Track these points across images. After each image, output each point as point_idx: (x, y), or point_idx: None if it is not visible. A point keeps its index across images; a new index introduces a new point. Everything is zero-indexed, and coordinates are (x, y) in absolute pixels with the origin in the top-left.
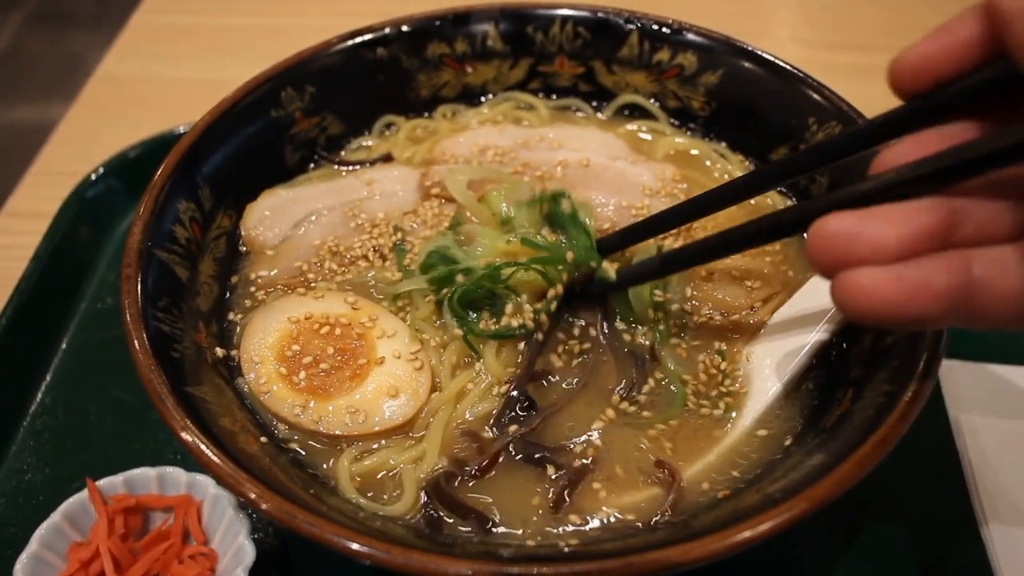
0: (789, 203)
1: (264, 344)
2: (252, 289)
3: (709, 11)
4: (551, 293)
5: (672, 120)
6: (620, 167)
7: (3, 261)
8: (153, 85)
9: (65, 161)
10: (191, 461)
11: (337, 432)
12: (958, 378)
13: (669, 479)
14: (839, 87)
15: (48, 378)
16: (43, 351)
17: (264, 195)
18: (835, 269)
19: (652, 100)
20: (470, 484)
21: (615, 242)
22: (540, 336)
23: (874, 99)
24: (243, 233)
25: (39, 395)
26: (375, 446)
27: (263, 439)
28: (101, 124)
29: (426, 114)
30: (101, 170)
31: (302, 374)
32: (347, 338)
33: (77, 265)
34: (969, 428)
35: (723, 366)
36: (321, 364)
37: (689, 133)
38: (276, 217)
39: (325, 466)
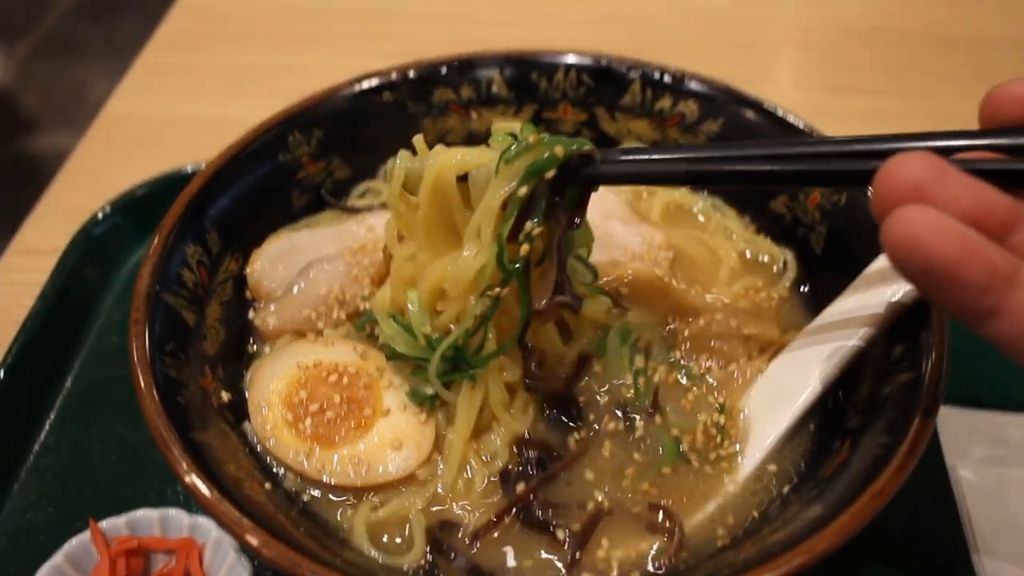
0: (788, 253)
1: (272, 389)
2: (261, 336)
3: (715, 55)
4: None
5: None
6: (610, 227)
7: (11, 298)
8: (160, 123)
9: (73, 198)
10: (194, 503)
11: (340, 482)
12: (956, 425)
13: (671, 527)
14: (839, 130)
15: (52, 416)
16: (48, 389)
17: (268, 241)
18: (903, 200)
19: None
20: (474, 541)
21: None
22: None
23: None
24: (249, 280)
25: (43, 434)
26: (388, 497)
27: (268, 485)
28: (108, 161)
29: None
30: (108, 208)
31: (308, 421)
32: (354, 387)
33: (83, 303)
34: (966, 476)
35: (721, 419)
36: (327, 412)
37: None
38: (281, 264)
39: (333, 514)
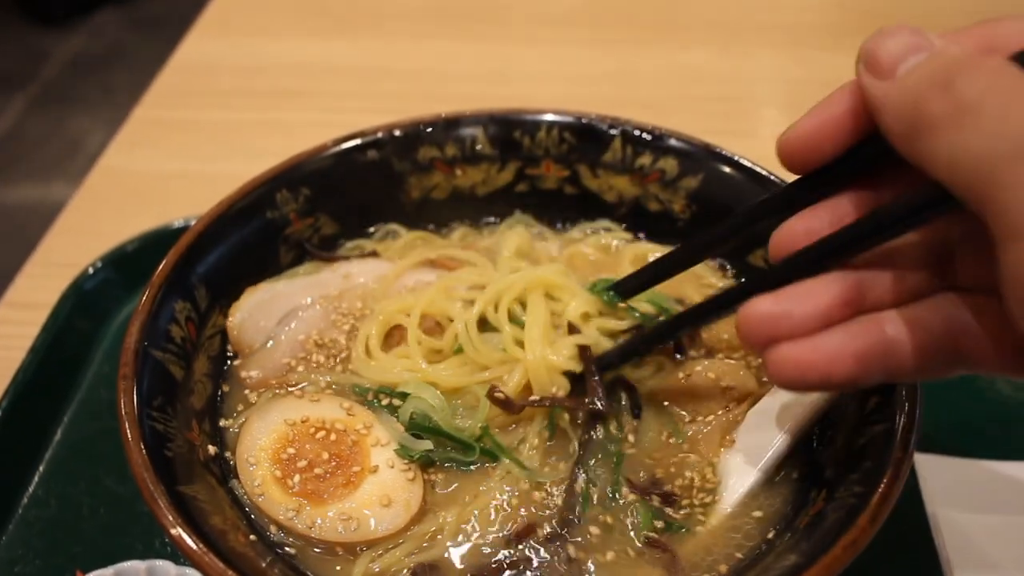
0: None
1: (260, 445)
2: (245, 390)
3: (699, 110)
4: None
5: (654, 224)
6: None
7: (2, 351)
8: (152, 178)
9: (64, 252)
10: (181, 555)
11: (330, 538)
12: (937, 473)
13: (668, 556)
14: None
15: (41, 469)
16: (37, 442)
17: (246, 294)
18: (765, 346)
19: (635, 202)
20: None
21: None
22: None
23: None
24: (229, 334)
25: (32, 486)
26: (379, 552)
27: (253, 537)
28: (100, 216)
29: (431, 226)
30: (99, 263)
31: (296, 478)
32: (342, 444)
33: (73, 357)
34: (947, 523)
35: (704, 471)
36: (315, 468)
37: (663, 240)
38: (260, 315)
39: (320, 568)
